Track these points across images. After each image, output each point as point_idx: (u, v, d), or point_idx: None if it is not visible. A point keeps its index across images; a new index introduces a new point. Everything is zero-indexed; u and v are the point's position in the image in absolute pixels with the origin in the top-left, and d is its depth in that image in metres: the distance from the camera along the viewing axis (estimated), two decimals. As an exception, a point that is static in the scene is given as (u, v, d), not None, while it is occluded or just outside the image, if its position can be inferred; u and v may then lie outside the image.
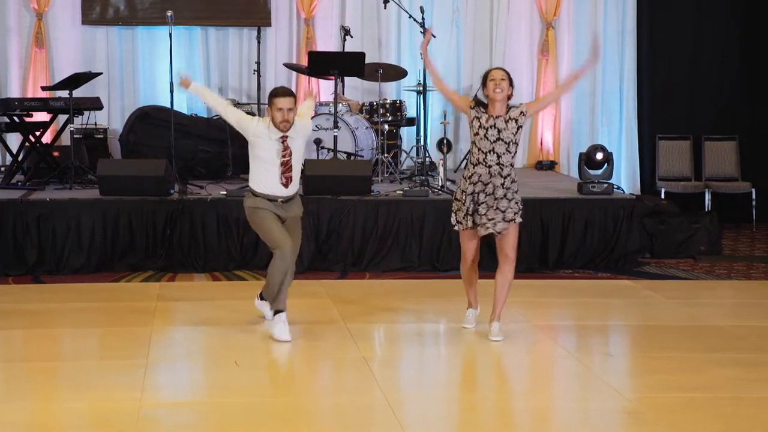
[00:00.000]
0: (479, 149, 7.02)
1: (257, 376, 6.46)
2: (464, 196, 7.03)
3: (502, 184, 6.96)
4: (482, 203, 6.96)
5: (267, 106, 7.13)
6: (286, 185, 7.06)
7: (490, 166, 6.96)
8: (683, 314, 8.10)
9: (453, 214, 7.16)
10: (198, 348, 7.11)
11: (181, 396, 6.11)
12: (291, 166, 7.04)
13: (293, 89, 12.25)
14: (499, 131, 6.97)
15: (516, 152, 7.05)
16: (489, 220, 6.95)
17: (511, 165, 7.03)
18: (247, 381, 6.29)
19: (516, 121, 7.01)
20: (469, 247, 7.18)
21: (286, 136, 7.02)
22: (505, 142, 6.97)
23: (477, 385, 6.28)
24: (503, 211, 6.96)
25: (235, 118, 7.19)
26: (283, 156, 7.01)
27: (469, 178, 7.02)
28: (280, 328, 6.98)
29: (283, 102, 6.95)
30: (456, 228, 7.15)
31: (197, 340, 7.27)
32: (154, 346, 6.91)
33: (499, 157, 6.96)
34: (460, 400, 6.04)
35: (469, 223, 7.02)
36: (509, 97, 7.08)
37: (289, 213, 7.15)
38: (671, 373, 6.39)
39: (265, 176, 7.05)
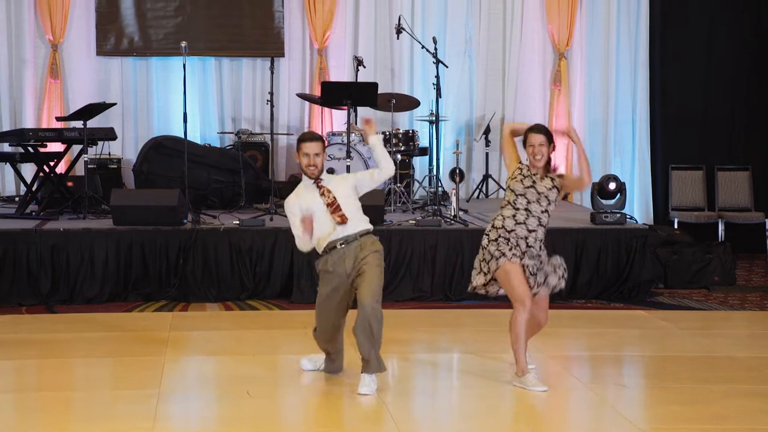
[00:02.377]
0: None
1: (269, 407, 6.45)
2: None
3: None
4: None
5: (297, 153, 6.78)
6: (342, 222, 6.59)
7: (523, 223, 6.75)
8: (697, 345, 8.07)
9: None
10: (210, 378, 7.11)
11: (193, 426, 6.10)
12: (338, 205, 6.59)
13: (306, 119, 12.33)
14: (539, 193, 6.74)
15: (544, 221, 6.75)
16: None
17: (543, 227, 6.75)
18: (259, 411, 6.27)
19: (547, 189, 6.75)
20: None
21: (320, 180, 6.66)
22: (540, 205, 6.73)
23: (490, 416, 6.26)
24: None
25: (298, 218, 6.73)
26: (322, 195, 6.61)
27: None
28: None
29: (309, 147, 6.64)
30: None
31: (210, 370, 7.27)
32: (166, 376, 6.91)
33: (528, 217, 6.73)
34: (474, 431, 6.02)
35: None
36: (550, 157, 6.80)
37: (360, 257, 6.59)
38: (685, 405, 6.36)
39: (320, 232, 6.60)
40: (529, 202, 6.68)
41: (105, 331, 8.31)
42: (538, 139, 6.71)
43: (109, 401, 6.45)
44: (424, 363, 7.60)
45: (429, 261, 9.60)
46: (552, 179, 6.76)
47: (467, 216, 10.46)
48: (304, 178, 6.73)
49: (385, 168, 6.73)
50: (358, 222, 6.66)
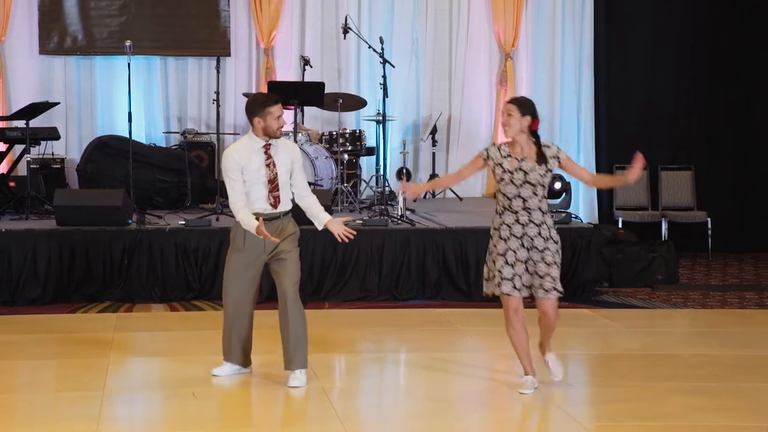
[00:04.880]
0: (504, 195, 6.40)
1: (215, 408, 6.41)
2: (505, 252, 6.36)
3: (539, 233, 6.37)
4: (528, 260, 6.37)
5: (256, 117, 6.57)
6: (274, 205, 6.59)
7: (516, 212, 6.38)
8: (641, 343, 8.14)
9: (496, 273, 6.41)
10: (155, 379, 7.05)
11: (137, 428, 6.06)
12: (277, 184, 6.57)
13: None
14: (525, 173, 6.35)
15: (544, 196, 6.39)
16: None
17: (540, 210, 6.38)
18: (204, 412, 6.24)
19: (546, 163, 6.37)
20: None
21: (270, 145, 6.59)
22: (532, 185, 6.35)
23: (437, 415, 6.27)
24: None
25: (238, 177, 6.60)
26: (268, 167, 6.55)
27: (498, 229, 6.41)
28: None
29: (280, 109, 6.56)
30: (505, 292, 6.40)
31: (154, 371, 7.21)
32: (110, 377, 6.84)
33: (524, 201, 6.36)
34: (420, 430, 6.02)
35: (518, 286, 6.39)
36: (532, 128, 6.40)
37: (279, 237, 6.57)
38: (629, 402, 6.41)
39: (250, 193, 6.56)
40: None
41: (48, 332, 8.22)
42: (507, 107, 6.39)
43: (52, 403, 6.38)
44: (371, 362, 7.60)
45: (376, 261, 9.60)
46: (546, 163, 6.39)
47: (414, 216, 10.47)
48: (254, 137, 6.59)
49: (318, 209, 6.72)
50: (285, 203, 6.65)
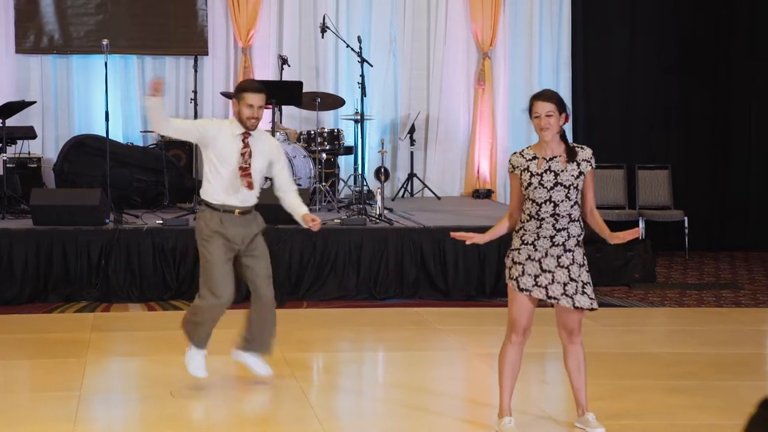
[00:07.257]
0: (533, 201, 5.63)
1: (193, 408, 6.40)
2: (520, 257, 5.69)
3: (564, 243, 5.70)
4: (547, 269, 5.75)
5: (233, 99, 6.46)
6: (248, 187, 6.34)
7: (542, 219, 5.62)
8: (618, 341, 8.17)
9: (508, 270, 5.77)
10: (133, 379, 7.03)
11: (115, 428, 6.04)
12: (250, 174, 6.33)
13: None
14: (556, 174, 5.64)
15: (577, 201, 5.67)
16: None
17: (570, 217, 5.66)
18: (182, 413, 6.22)
19: (578, 165, 5.67)
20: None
21: (248, 134, 6.37)
22: (565, 187, 5.62)
23: (415, 413, 6.28)
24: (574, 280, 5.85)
25: (193, 127, 6.53)
26: (243, 156, 6.30)
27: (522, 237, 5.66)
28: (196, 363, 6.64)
29: (255, 98, 6.32)
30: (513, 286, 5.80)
31: (132, 371, 7.19)
32: (87, 378, 6.82)
33: (555, 206, 5.62)
34: (398, 429, 6.03)
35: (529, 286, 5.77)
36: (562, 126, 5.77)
37: (248, 232, 6.40)
38: (606, 400, 6.43)
39: (220, 181, 6.32)
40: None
41: (24, 332, 8.18)
42: (545, 107, 5.78)
43: (28, 404, 6.35)
44: (349, 361, 7.60)
45: (354, 260, 9.60)
46: (578, 164, 5.67)
47: (392, 215, 10.48)
48: (235, 122, 6.42)
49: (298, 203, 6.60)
50: (255, 195, 6.47)
